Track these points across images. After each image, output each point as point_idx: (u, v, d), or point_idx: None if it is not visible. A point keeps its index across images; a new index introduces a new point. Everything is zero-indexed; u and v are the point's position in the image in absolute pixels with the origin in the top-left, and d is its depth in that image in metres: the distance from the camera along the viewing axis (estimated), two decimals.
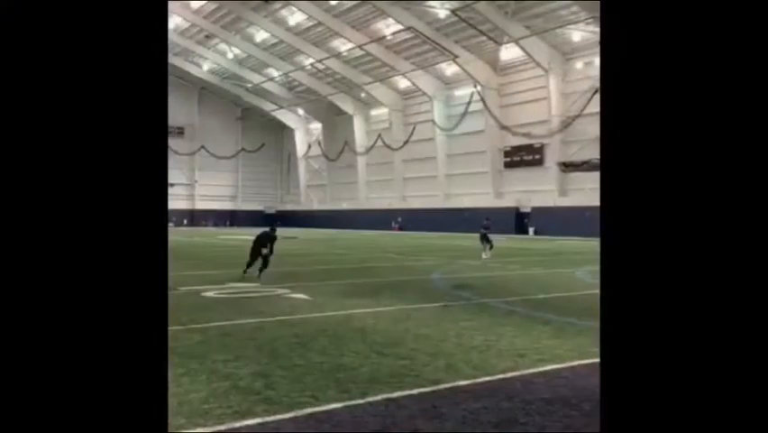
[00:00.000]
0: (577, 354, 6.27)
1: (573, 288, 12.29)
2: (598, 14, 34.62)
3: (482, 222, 21.29)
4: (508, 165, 45.64)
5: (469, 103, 45.07)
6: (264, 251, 12.63)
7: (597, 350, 6.49)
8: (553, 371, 5.55)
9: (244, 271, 12.89)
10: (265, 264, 12.67)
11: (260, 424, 3.95)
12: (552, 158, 41.65)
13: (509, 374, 5.36)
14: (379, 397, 4.58)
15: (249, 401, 4.37)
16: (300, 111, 66.79)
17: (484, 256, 19.84)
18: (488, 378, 5.23)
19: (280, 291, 10.84)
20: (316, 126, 67.39)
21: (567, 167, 39.96)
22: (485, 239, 20.39)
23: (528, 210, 43.07)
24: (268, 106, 66.36)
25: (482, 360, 5.88)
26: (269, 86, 61.30)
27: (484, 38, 41.05)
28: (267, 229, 13.36)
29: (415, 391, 4.75)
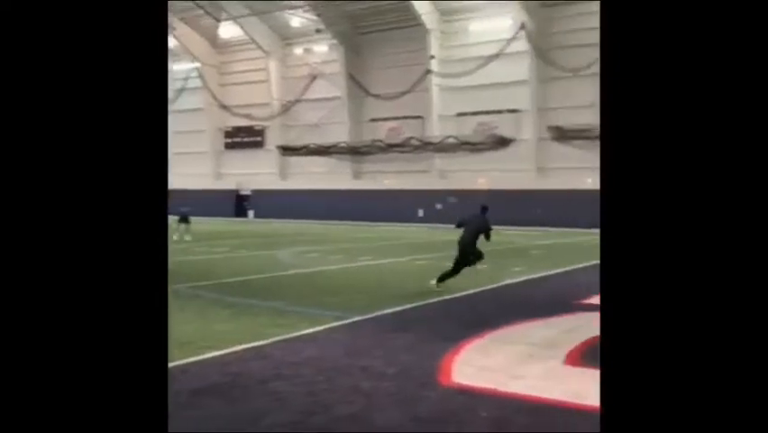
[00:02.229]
0: (250, 336, 6.18)
1: (269, 269, 12.38)
2: (314, 2, 35.89)
3: (180, 205, 20.95)
4: (229, 146, 44.80)
5: (186, 78, 42.91)
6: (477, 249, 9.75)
7: (270, 331, 6.56)
8: (215, 358, 5.34)
9: (441, 279, 9.52)
10: (469, 263, 9.70)
11: None
12: (272, 141, 42.04)
13: None
14: None
15: None
16: None
17: (186, 238, 19.55)
18: None
19: None
20: None
21: (286, 151, 40.76)
22: (184, 221, 20.16)
23: (248, 193, 42.91)
24: None
25: None
26: None
27: (202, 12, 39.38)
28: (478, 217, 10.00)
29: None
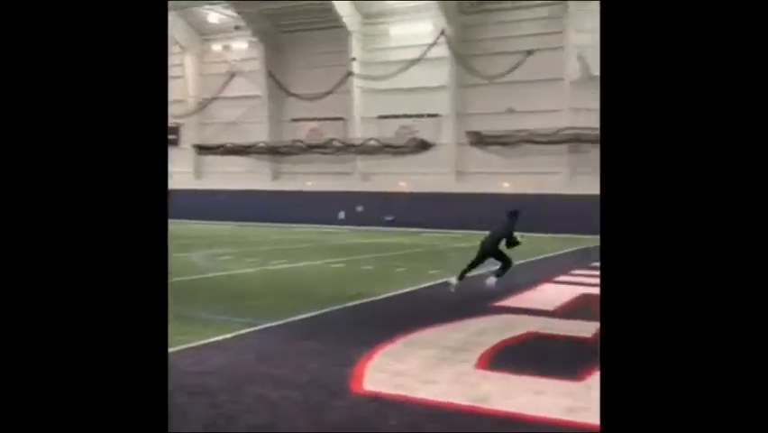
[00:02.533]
0: None
1: (179, 273, 11.82)
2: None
3: None
4: None
5: None
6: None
7: (175, 338, 6.22)
8: None
9: (461, 277, 9.78)
10: (506, 266, 9.92)
11: None
12: (187, 139, 40.68)
13: None
14: None
15: None
16: None
17: None
18: None
19: None
20: None
21: (202, 149, 39.55)
22: None
23: None
24: None
25: None
26: None
27: None
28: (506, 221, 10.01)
29: None
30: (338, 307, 8.24)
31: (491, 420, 4.01)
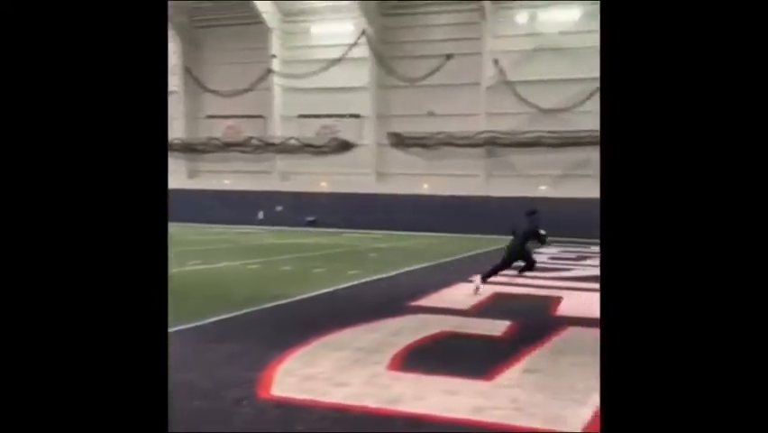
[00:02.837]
0: None
1: None
2: None
3: None
4: None
5: None
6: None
7: None
8: None
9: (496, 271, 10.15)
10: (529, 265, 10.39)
11: None
12: None
13: None
14: None
15: None
16: None
17: None
18: None
19: None
20: None
21: None
22: None
23: None
24: None
25: None
26: None
27: None
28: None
29: None
30: (254, 309, 8.01)
31: (402, 422, 3.97)
